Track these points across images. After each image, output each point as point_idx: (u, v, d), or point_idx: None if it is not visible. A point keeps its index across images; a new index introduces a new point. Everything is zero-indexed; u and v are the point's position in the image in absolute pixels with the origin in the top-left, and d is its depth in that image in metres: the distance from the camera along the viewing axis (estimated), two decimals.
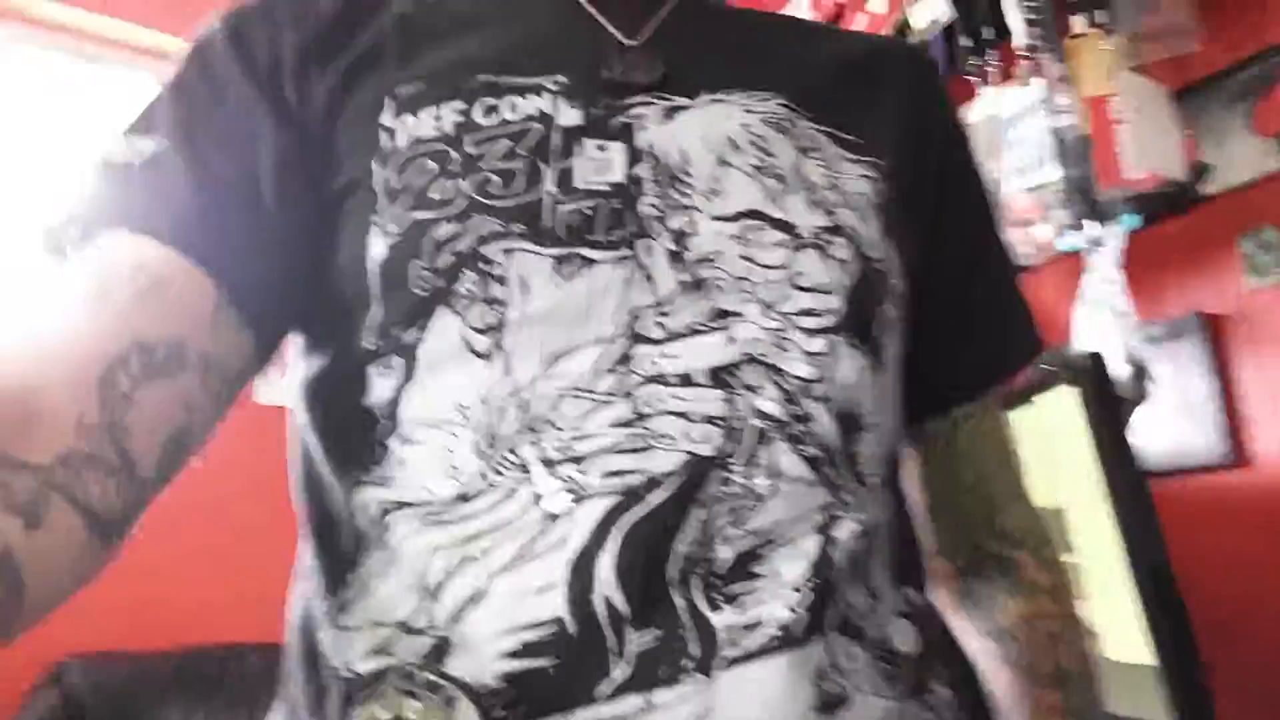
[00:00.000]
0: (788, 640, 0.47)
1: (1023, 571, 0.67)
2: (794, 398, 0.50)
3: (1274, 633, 1.59)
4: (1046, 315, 2.01)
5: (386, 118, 0.53)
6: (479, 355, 0.49)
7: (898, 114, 0.62)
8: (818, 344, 0.51)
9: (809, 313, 0.52)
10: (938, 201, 0.63)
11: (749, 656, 0.46)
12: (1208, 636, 1.05)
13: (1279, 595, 1.60)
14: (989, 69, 1.67)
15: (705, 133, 0.54)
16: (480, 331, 0.49)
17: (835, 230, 0.54)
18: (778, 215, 0.53)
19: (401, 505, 0.49)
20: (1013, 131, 1.58)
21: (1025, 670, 0.65)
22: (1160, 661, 0.89)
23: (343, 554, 0.51)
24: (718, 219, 0.52)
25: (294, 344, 0.57)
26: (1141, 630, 0.91)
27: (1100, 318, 1.43)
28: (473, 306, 0.49)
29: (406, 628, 0.47)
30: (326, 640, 0.50)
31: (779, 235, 0.53)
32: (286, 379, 0.58)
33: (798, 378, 0.50)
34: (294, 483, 0.56)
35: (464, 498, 0.48)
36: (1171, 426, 1.72)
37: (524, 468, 0.47)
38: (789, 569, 0.48)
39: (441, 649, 0.46)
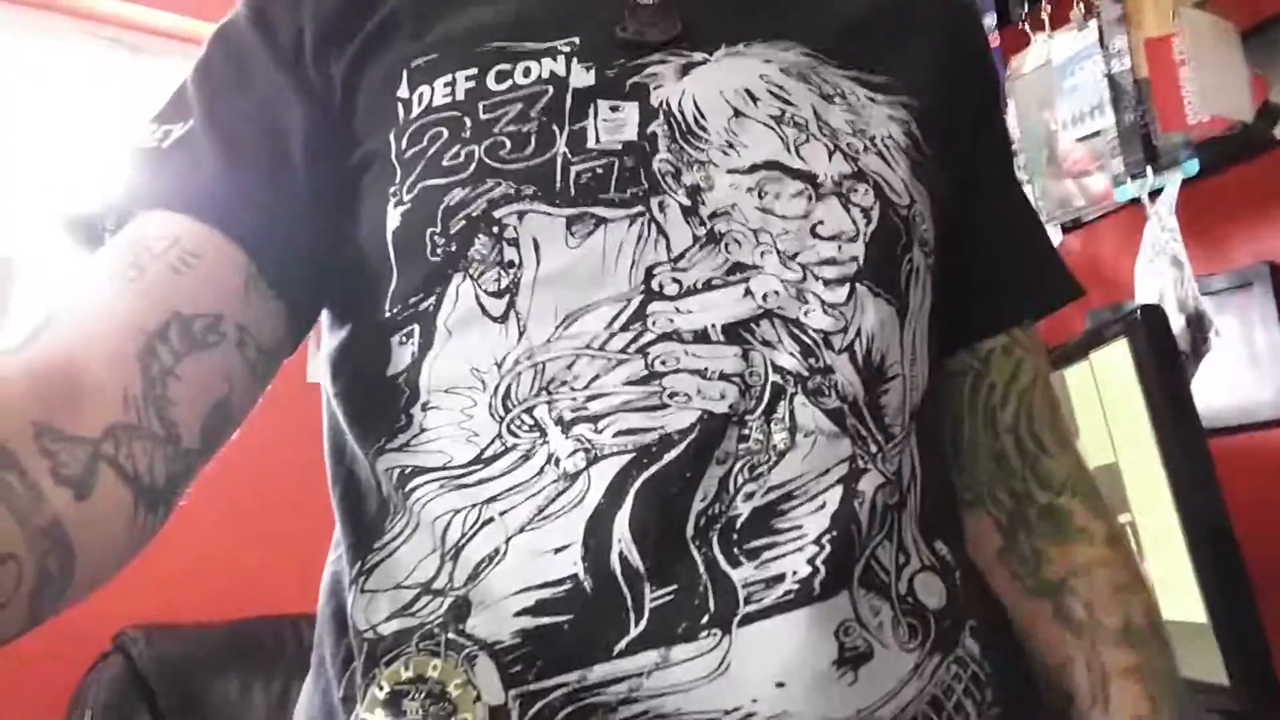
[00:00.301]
0: (808, 594, 0.46)
1: (1072, 519, 0.63)
2: (813, 350, 0.49)
3: None
4: (1106, 269, 1.95)
5: (403, 90, 0.54)
6: (494, 319, 0.49)
7: (932, 54, 0.60)
8: (839, 294, 0.50)
9: (830, 262, 0.51)
10: (971, 145, 0.62)
11: (768, 611, 0.46)
12: (1271, 595, 1.00)
13: None
14: (1042, 14, 1.61)
15: (722, 86, 0.54)
16: (495, 295, 0.49)
17: (858, 177, 0.53)
18: (797, 165, 0.52)
19: (422, 470, 0.50)
20: (1067, 79, 1.52)
21: (1087, 627, 0.61)
22: (1216, 622, 0.85)
23: (369, 521, 0.52)
24: (733, 172, 0.52)
25: (324, 316, 0.58)
26: (1197, 589, 0.87)
27: (1160, 270, 1.37)
28: (487, 270, 0.49)
29: (429, 589, 0.48)
30: (353, 604, 0.50)
31: (798, 185, 0.52)
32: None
33: (818, 330, 0.49)
34: (325, 452, 0.57)
35: (482, 461, 0.48)
36: (1237, 380, 1.64)
37: (540, 429, 0.48)
38: (810, 523, 0.47)
39: (462, 608, 0.47)
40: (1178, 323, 1.32)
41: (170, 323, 0.47)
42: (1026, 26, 1.64)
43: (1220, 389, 1.57)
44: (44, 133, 1.88)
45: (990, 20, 1.70)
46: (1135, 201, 1.47)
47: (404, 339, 0.51)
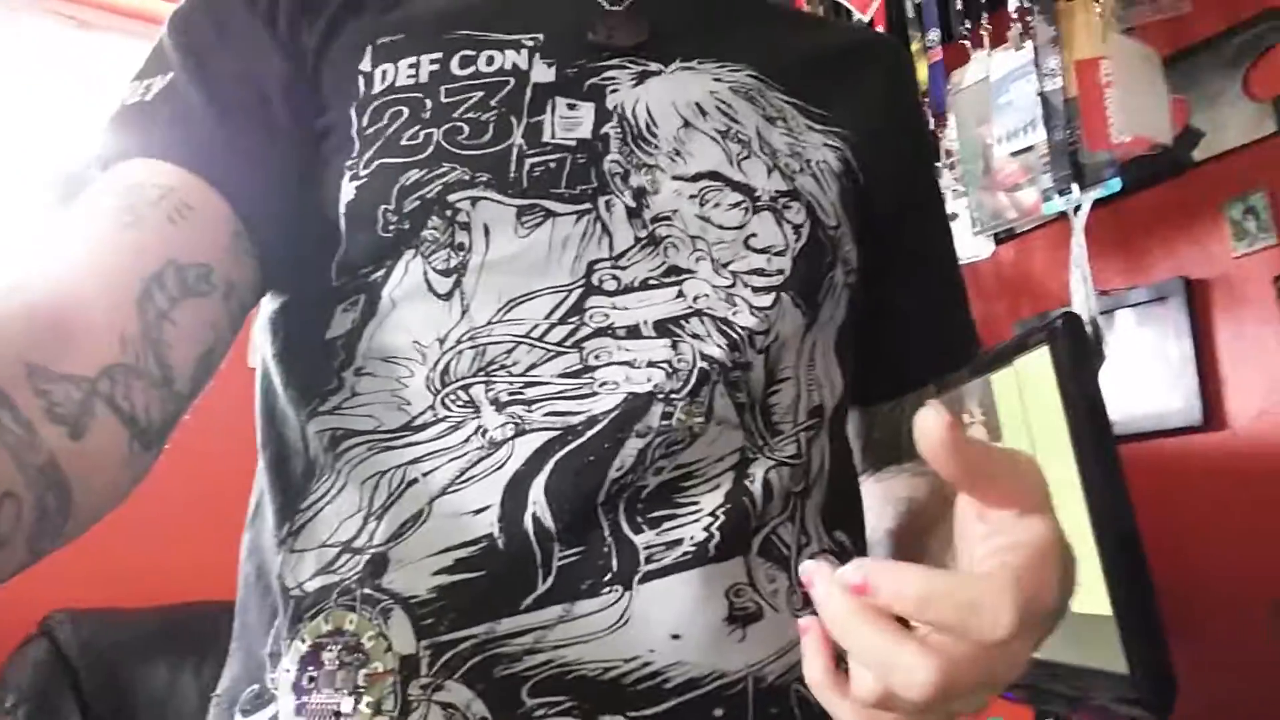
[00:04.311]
0: (703, 556, 0.49)
1: None
2: (739, 346, 0.52)
3: (1239, 590, 1.60)
4: (1036, 281, 2.01)
5: (365, 64, 0.55)
6: (439, 295, 0.51)
7: (871, 96, 0.63)
8: (765, 300, 0.53)
9: (758, 272, 0.54)
10: (903, 192, 0.65)
11: (666, 570, 0.48)
12: (1175, 592, 1.06)
13: (1242, 552, 1.61)
14: (982, 32, 1.66)
15: (674, 97, 0.56)
16: (442, 274, 0.51)
17: (793, 195, 0.56)
18: (737, 178, 0.55)
19: (353, 433, 0.51)
20: (1003, 95, 1.57)
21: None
22: (1120, 616, 0.89)
23: (296, 483, 0.53)
24: (678, 178, 0.54)
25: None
26: (1104, 585, 0.91)
27: (1077, 282, 1.43)
28: (437, 250, 0.51)
29: (349, 548, 0.49)
30: (281, 563, 0.51)
31: (737, 197, 0.54)
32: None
33: (744, 328, 0.52)
34: (257, 414, 0.58)
35: (411, 428, 0.50)
36: (1151, 389, 1.72)
37: (474, 406, 0.49)
38: (706, 499, 0.50)
39: (379, 564, 0.48)
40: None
41: (166, 269, 0.47)
42: (968, 44, 1.69)
43: (1132, 396, 1.64)
44: (20, 111, 1.81)
45: (934, 35, 1.75)
46: (1065, 215, 1.53)
47: (348, 306, 0.52)
